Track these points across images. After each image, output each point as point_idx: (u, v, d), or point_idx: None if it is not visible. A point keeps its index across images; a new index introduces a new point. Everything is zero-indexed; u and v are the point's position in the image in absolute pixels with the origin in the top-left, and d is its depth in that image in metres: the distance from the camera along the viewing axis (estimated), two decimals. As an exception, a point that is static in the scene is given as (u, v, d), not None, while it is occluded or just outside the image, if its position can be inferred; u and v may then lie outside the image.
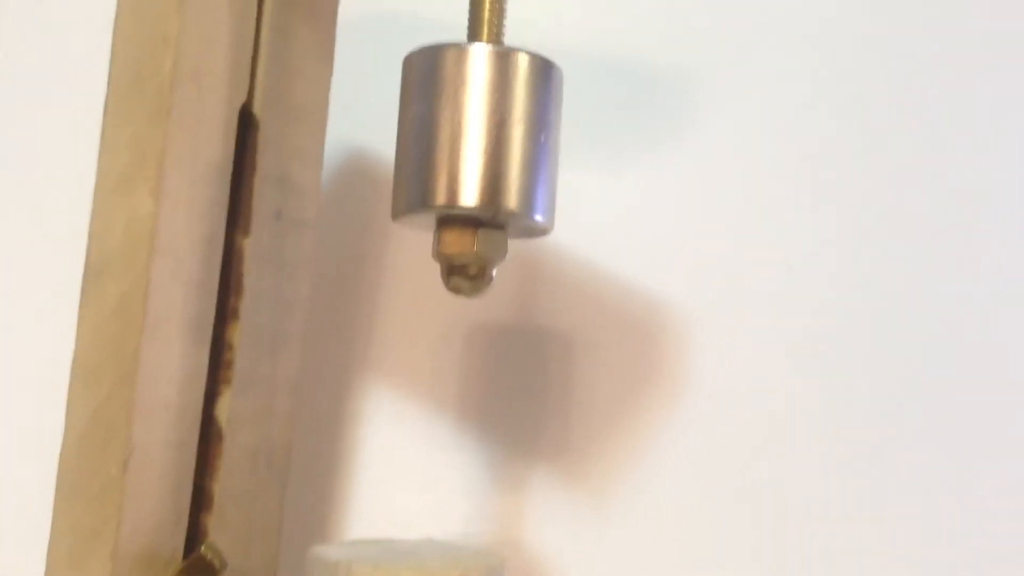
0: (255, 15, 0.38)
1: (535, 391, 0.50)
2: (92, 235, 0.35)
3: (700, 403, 0.49)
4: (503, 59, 0.34)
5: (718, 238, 0.50)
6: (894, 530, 0.48)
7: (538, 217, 0.35)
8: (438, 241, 0.36)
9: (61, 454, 0.35)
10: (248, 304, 0.39)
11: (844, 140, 0.50)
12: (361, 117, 0.48)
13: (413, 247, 0.50)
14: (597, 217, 0.51)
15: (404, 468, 0.50)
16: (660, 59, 0.51)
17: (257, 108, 0.39)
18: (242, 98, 0.38)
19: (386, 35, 0.52)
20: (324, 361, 0.51)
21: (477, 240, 0.35)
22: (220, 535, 0.39)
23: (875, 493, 0.48)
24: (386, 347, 0.51)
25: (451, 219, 0.35)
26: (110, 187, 0.35)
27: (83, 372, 0.35)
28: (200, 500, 0.38)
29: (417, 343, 0.51)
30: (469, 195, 0.34)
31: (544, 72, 0.35)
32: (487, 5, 0.35)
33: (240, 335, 0.39)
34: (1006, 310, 0.48)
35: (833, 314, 0.49)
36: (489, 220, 0.35)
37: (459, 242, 0.35)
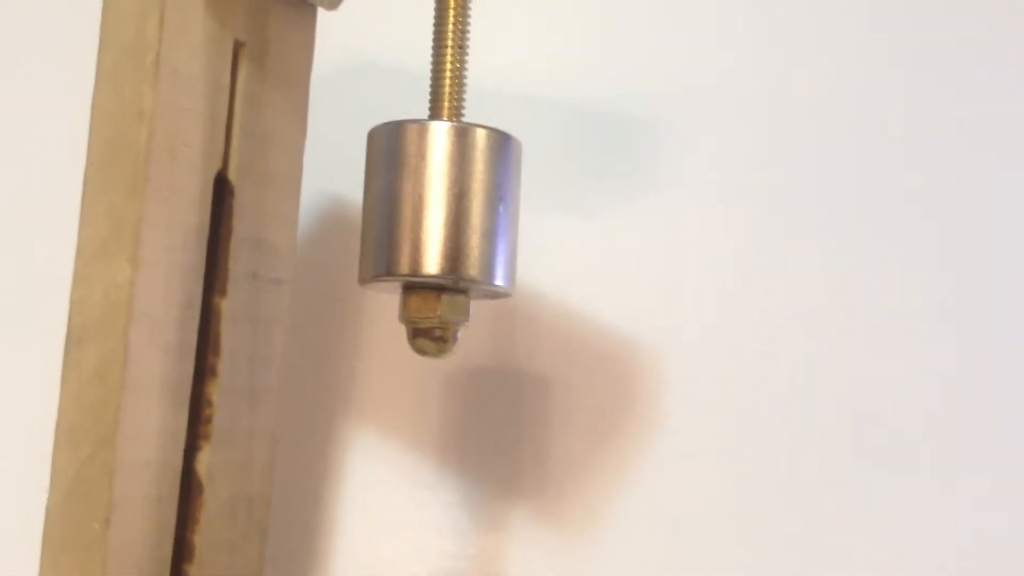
0: (228, 87, 0.39)
1: (513, 432, 0.51)
2: (73, 303, 0.37)
3: (674, 443, 0.50)
4: (462, 134, 0.36)
5: (691, 283, 0.51)
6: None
7: (498, 282, 0.36)
8: (404, 306, 0.37)
9: (47, 512, 0.37)
10: (225, 362, 0.40)
11: (821, 186, 0.51)
12: (337, 173, 0.49)
13: (390, 298, 0.51)
14: (571, 262, 0.51)
15: (386, 510, 0.51)
16: (634, 106, 0.52)
17: (232, 175, 0.40)
18: (217, 166, 0.39)
19: (359, 86, 0.53)
20: (307, 410, 0.52)
21: (440, 305, 0.36)
22: (201, 585, 0.40)
23: (850, 536, 0.49)
24: (367, 394, 0.52)
25: (415, 285, 0.36)
26: (89, 256, 0.36)
27: (66, 434, 0.36)
28: (182, 551, 0.39)
29: (397, 388, 0.52)
30: (432, 264, 0.35)
31: (501, 145, 0.36)
32: (447, 84, 0.37)
33: (218, 392, 0.40)
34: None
35: (808, 358, 0.50)
36: (451, 286, 0.36)
37: (424, 307, 0.36)
